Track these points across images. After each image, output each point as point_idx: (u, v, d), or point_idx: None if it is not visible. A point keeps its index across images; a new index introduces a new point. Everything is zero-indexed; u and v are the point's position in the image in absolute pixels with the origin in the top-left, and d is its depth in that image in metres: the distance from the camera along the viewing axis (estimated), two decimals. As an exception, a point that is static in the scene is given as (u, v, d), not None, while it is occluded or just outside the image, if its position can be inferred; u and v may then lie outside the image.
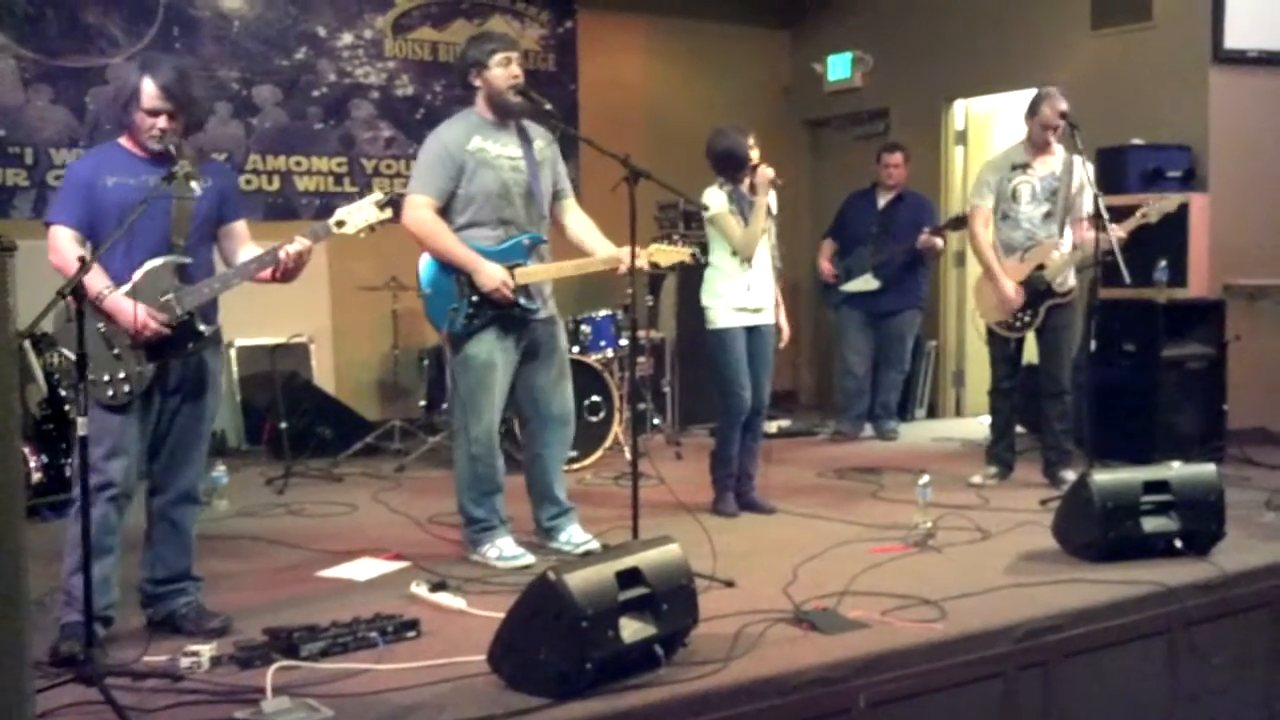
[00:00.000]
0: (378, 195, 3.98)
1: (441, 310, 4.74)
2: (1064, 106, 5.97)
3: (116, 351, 3.74)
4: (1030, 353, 6.38)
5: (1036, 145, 6.12)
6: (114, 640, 3.76)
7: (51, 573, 3.79)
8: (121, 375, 3.75)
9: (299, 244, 3.84)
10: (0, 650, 2.42)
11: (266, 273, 3.87)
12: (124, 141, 3.90)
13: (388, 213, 3.94)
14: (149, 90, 3.77)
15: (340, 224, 3.90)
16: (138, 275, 3.74)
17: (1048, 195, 6.11)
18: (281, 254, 3.83)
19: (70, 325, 3.58)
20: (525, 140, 4.83)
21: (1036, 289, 6.06)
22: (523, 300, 4.73)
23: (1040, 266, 6.06)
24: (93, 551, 3.50)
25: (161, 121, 3.79)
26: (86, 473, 3.44)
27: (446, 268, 4.72)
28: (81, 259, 3.47)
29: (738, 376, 5.54)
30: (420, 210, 4.70)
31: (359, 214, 3.91)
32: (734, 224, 5.52)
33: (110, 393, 3.74)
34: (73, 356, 3.58)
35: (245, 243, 4.05)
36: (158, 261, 3.78)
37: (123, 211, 3.71)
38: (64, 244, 3.73)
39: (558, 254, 4.95)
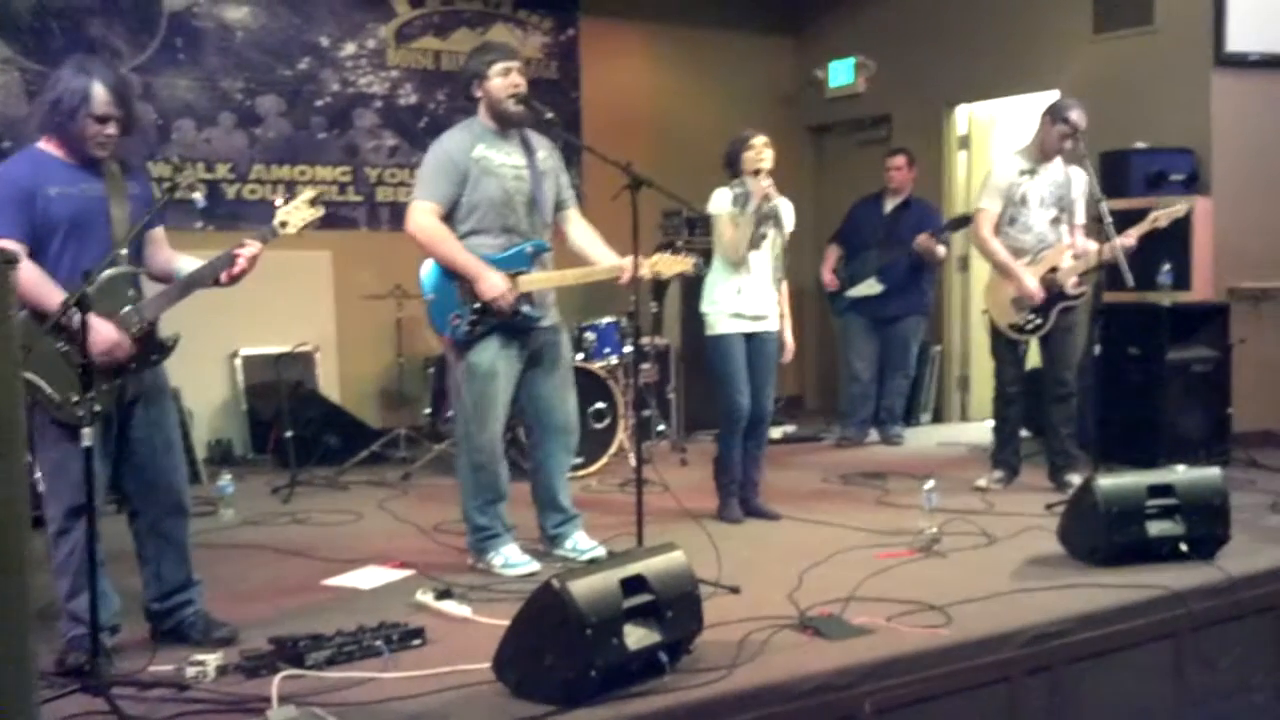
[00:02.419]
0: (310, 193, 4.02)
1: (444, 316, 4.74)
2: (1085, 119, 5.98)
3: (79, 371, 3.58)
4: (1033, 357, 6.38)
5: (1047, 151, 6.11)
6: (120, 650, 3.76)
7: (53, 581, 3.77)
8: (90, 395, 3.56)
9: (252, 247, 3.83)
10: (6, 660, 2.42)
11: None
12: (50, 148, 3.72)
13: (320, 210, 4.00)
14: (100, 96, 3.63)
15: (284, 224, 3.93)
16: (94, 288, 3.58)
17: (1054, 201, 6.12)
18: (241, 260, 3.80)
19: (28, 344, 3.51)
20: (528, 150, 4.84)
21: (1050, 292, 6.05)
22: (525, 308, 4.74)
23: (1053, 269, 6.06)
24: (84, 572, 3.49)
25: (111, 128, 3.67)
26: (92, 480, 3.42)
27: (449, 274, 4.72)
28: (87, 272, 3.45)
29: (736, 382, 5.54)
30: (424, 216, 4.70)
31: (297, 214, 3.95)
32: (725, 227, 5.54)
33: (80, 413, 3.54)
34: (32, 378, 3.53)
35: (166, 248, 3.99)
36: (112, 272, 3.68)
37: (72, 223, 3.64)
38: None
39: (561, 264, 4.95)
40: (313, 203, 3.97)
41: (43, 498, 3.75)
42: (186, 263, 3.93)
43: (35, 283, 3.56)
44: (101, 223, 3.71)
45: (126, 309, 3.71)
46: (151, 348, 3.80)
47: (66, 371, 3.58)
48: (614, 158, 4.45)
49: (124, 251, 3.74)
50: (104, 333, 3.63)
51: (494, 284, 4.64)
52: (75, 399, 3.58)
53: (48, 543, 3.72)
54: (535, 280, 4.75)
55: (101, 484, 3.72)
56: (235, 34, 7.91)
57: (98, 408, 3.61)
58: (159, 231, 3.99)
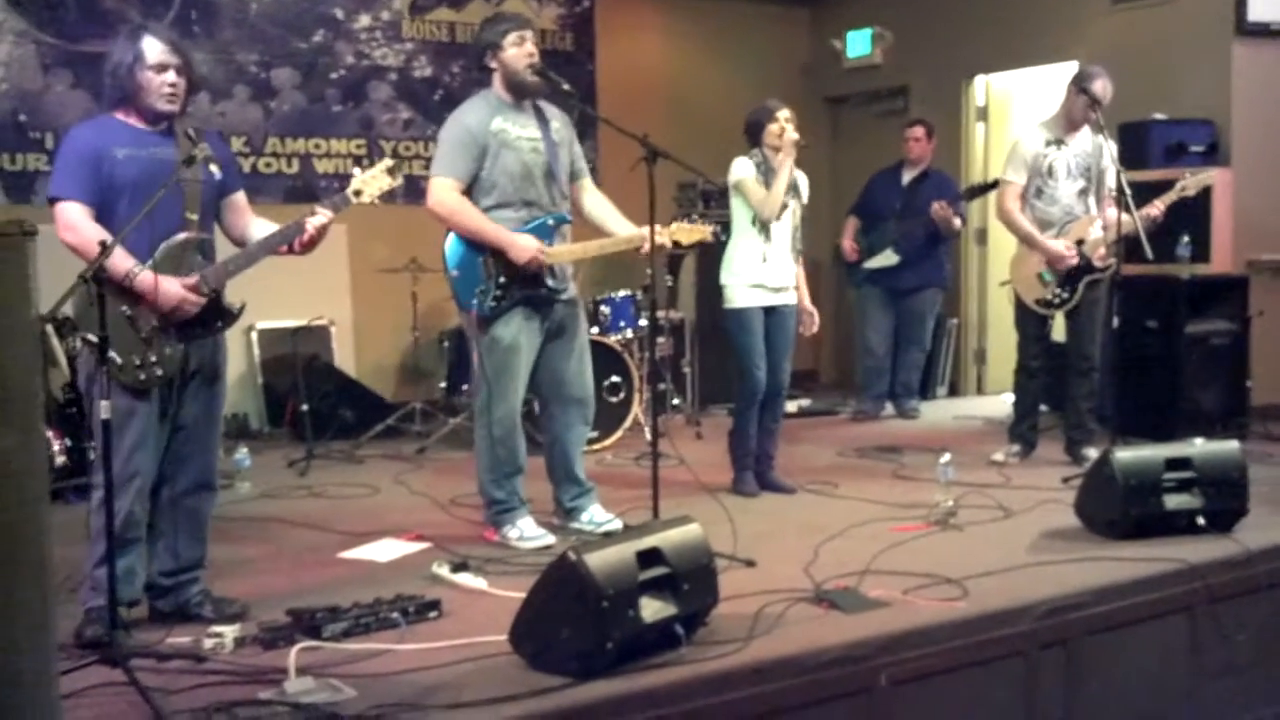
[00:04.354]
0: (388, 162, 3.99)
1: (469, 291, 4.73)
2: (1110, 89, 5.93)
3: (144, 334, 3.65)
4: (1057, 330, 6.35)
5: (1074, 122, 6.06)
6: (138, 623, 3.78)
7: (74, 555, 3.78)
8: (153, 359, 3.65)
9: (322, 216, 3.82)
10: (26, 631, 2.43)
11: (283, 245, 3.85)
12: (120, 114, 3.76)
13: (399, 179, 3.97)
14: (155, 47, 3.67)
15: (357, 193, 3.91)
16: (159, 252, 3.65)
17: (1082, 172, 6.07)
18: (310, 227, 3.79)
19: (93, 308, 3.54)
20: (543, 121, 4.82)
21: (1077, 264, 6.01)
22: (550, 280, 4.73)
23: (1080, 241, 6.01)
24: (119, 543, 3.51)
25: (171, 76, 3.69)
26: (110, 455, 3.41)
27: (473, 248, 4.70)
28: (103, 243, 3.42)
29: (754, 356, 5.52)
30: (445, 192, 4.68)
31: (374, 182, 3.92)
32: (754, 188, 5.50)
33: (142, 376, 3.63)
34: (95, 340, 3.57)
35: (247, 214, 3.98)
36: (179, 238, 3.70)
37: (137, 186, 3.64)
38: (80, 221, 3.59)
39: (577, 235, 4.95)
40: (391, 172, 3.94)
41: (91, 463, 3.77)
42: (261, 228, 3.92)
43: (95, 246, 3.51)
44: (171, 189, 3.65)
45: (191, 276, 3.70)
46: (217, 314, 3.80)
47: (129, 334, 3.62)
48: (630, 129, 4.43)
49: (194, 217, 3.73)
50: (168, 288, 3.63)
51: (525, 246, 4.63)
52: (138, 362, 3.64)
53: (88, 510, 3.74)
54: (558, 253, 4.75)
55: (158, 451, 3.76)
56: (250, 6, 7.89)
57: (160, 372, 3.67)
58: (240, 197, 3.98)
